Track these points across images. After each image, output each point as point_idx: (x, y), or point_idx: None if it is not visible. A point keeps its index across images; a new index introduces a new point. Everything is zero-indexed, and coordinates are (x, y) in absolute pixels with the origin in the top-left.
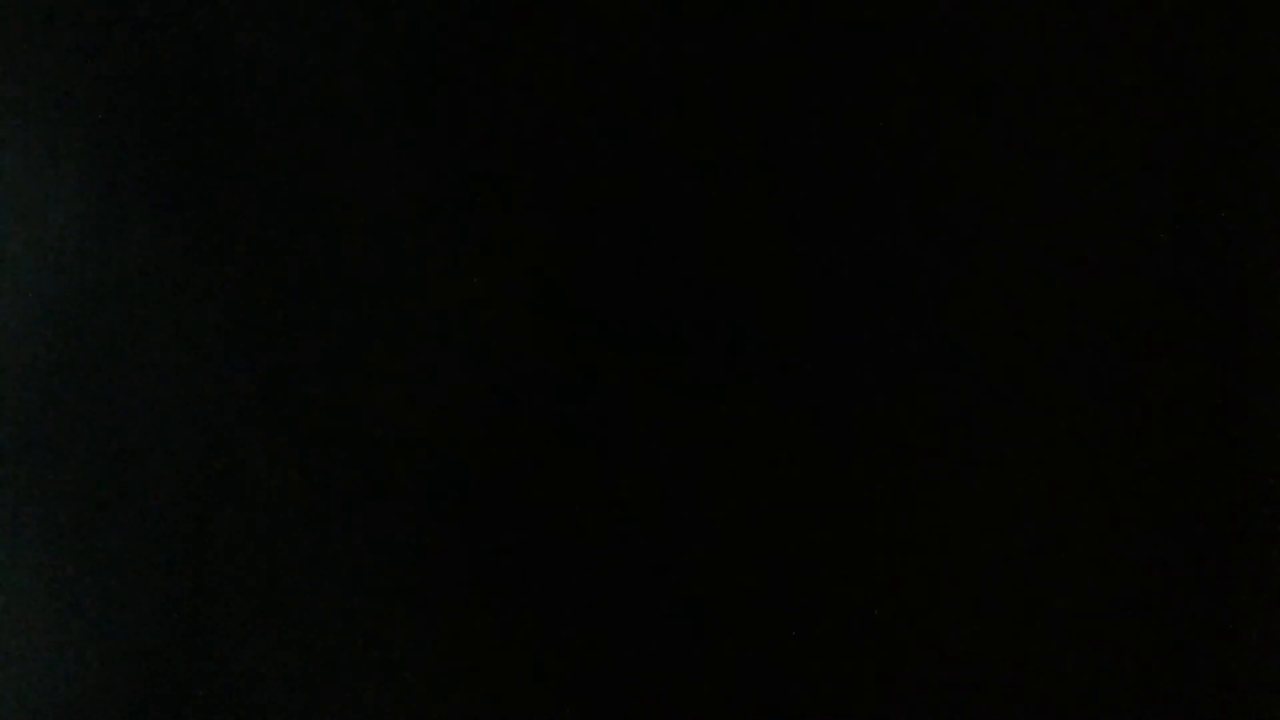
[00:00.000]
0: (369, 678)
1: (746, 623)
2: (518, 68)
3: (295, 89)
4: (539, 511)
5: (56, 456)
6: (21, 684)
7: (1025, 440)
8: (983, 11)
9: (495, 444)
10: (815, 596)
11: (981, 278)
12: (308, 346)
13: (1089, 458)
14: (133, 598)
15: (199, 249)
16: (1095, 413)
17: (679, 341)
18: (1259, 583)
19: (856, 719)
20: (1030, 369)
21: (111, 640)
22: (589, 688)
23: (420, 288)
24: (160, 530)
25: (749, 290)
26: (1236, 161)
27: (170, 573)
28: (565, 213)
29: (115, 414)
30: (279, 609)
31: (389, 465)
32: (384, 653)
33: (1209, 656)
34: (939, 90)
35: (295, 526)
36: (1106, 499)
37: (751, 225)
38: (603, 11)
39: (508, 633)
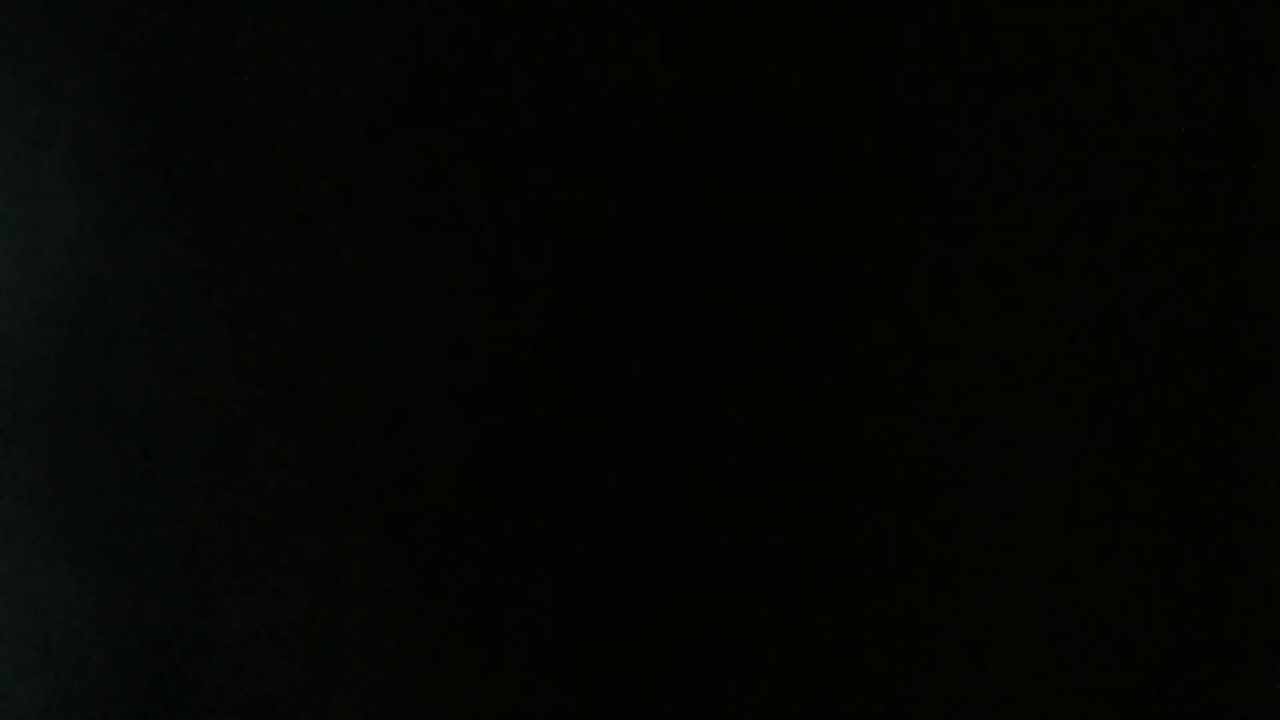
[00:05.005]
0: (369, 676)
1: (747, 623)
2: (518, 68)
3: (296, 88)
4: (540, 511)
5: (56, 455)
6: (22, 682)
7: (1025, 440)
8: (983, 9)
9: (496, 444)
10: (815, 599)
11: (981, 277)
12: (308, 345)
13: (1089, 458)
14: (134, 596)
15: (199, 248)
16: (1096, 413)
17: (678, 341)
18: (1259, 583)
19: (856, 718)
20: (1030, 368)
21: (112, 638)
22: (588, 689)
23: (420, 287)
24: (161, 529)
25: (748, 289)
26: (1236, 161)
27: (171, 571)
28: (565, 213)
29: (115, 413)
30: (280, 607)
31: (389, 463)
32: (385, 652)
33: (1209, 656)
34: (938, 90)
35: (296, 524)
36: (1107, 499)
37: (751, 224)
38: (602, 11)
39: (508, 633)
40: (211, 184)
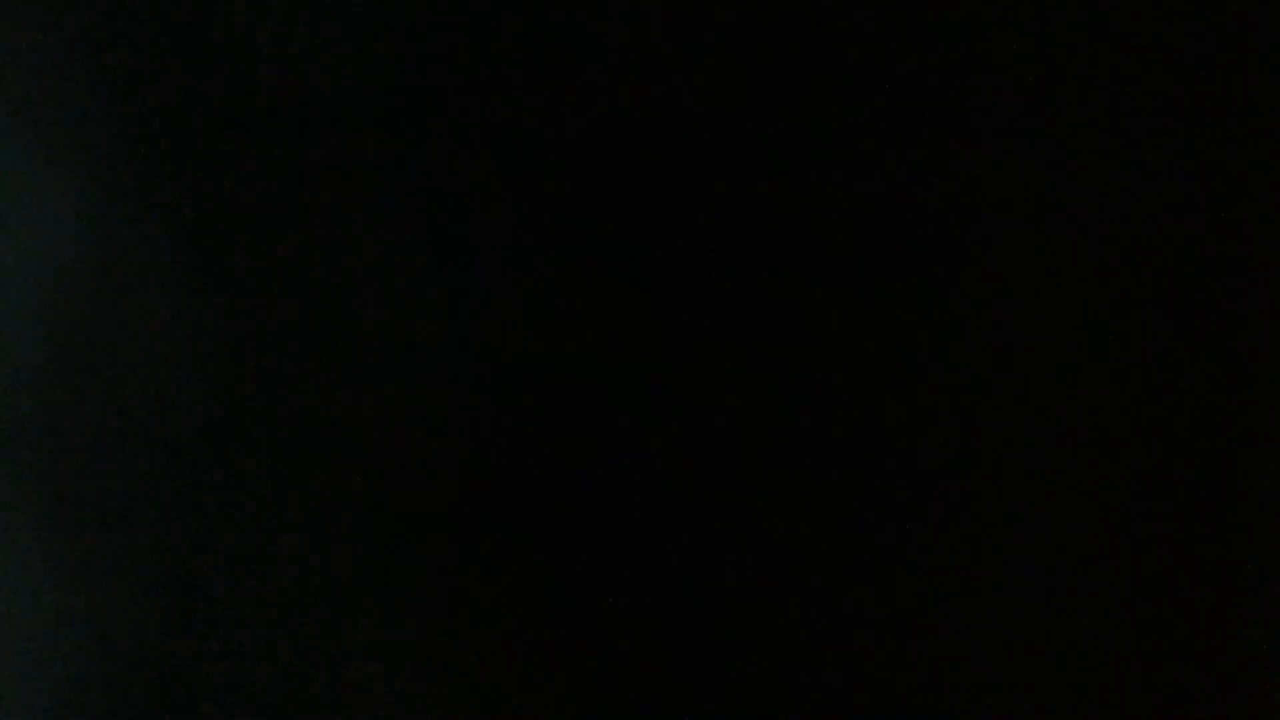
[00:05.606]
0: (370, 677)
1: (746, 625)
2: (517, 68)
3: (295, 89)
4: (538, 512)
5: (54, 456)
6: (19, 682)
7: (1025, 439)
8: (983, 9)
9: (495, 445)
10: (815, 602)
11: (981, 276)
12: (307, 346)
13: (1089, 458)
14: (131, 597)
15: (198, 248)
16: (1095, 412)
17: (677, 343)
18: (1259, 583)
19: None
20: (1030, 367)
21: (110, 639)
22: (587, 690)
23: (421, 288)
24: (159, 530)
25: (748, 291)
26: (1236, 161)
27: (169, 572)
28: (565, 214)
29: (114, 413)
30: (278, 608)
31: (388, 464)
32: (386, 652)
33: (1209, 656)
34: (937, 88)
35: (295, 525)
36: (1107, 498)
37: (749, 225)
38: (600, 11)
39: (507, 634)
40: (211, 184)
